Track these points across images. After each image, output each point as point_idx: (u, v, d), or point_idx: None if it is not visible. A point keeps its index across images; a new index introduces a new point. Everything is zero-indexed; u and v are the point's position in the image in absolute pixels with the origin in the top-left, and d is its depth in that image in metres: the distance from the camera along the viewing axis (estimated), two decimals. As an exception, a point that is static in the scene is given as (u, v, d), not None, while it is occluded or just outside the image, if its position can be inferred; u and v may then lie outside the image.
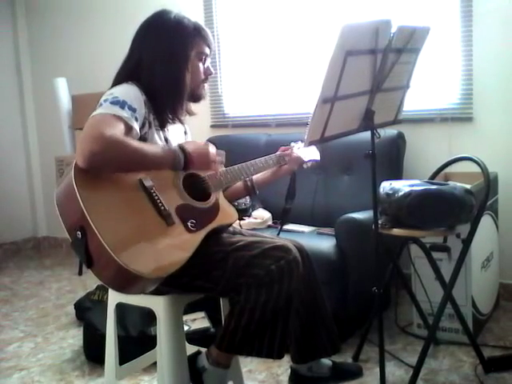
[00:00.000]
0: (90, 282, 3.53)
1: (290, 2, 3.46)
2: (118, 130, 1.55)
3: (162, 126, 1.79)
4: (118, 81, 1.77)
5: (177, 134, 1.90)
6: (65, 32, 4.48)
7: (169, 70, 1.76)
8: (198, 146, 1.77)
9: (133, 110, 1.63)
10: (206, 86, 1.90)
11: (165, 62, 1.75)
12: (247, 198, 3.04)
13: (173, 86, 1.77)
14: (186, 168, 1.73)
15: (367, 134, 1.88)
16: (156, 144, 1.73)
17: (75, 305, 3.05)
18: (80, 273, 3.83)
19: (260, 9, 3.58)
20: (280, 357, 1.75)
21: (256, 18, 3.60)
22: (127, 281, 1.51)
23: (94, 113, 1.59)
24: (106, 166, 1.54)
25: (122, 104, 1.61)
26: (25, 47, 4.72)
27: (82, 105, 3.81)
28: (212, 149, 1.81)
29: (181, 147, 1.72)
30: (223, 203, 1.85)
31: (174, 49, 1.77)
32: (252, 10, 3.61)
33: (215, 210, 1.80)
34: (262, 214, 3.05)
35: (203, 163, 1.77)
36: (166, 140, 1.80)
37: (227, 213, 1.83)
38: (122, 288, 1.59)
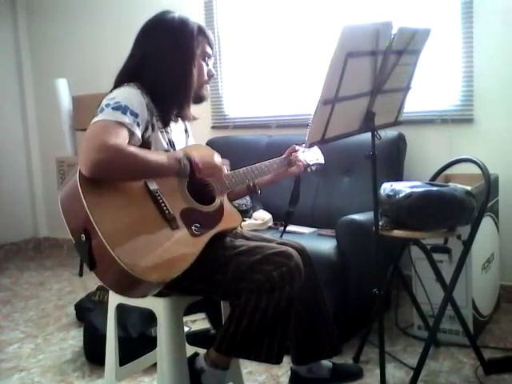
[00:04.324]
0: (91, 282, 3.53)
1: (291, 4, 3.46)
2: (121, 138, 1.54)
3: (166, 125, 1.77)
4: (119, 81, 1.76)
5: (179, 134, 1.89)
6: (65, 33, 4.48)
7: (176, 66, 1.75)
8: (204, 154, 1.75)
9: (135, 115, 1.61)
10: (208, 87, 1.90)
11: (172, 59, 1.74)
12: (248, 199, 3.04)
13: (180, 82, 1.76)
14: (192, 176, 1.70)
15: (368, 136, 1.89)
16: (161, 151, 1.71)
17: (76, 306, 3.05)
18: (81, 273, 3.90)
19: (261, 10, 3.58)
20: (278, 362, 1.75)
21: (257, 20, 3.60)
22: (130, 284, 1.51)
23: (96, 118, 1.57)
24: (111, 175, 1.53)
25: (124, 109, 1.59)
26: (26, 48, 4.73)
27: (83, 105, 3.82)
28: (218, 157, 1.79)
29: (187, 155, 1.68)
30: (227, 207, 1.84)
31: (180, 45, 1.76)
32: (253, 11, 3.61)
33: (219, 213, 1.79)
34: (262, 215, 3.05)
35: (209, 172, 1.75)
36: (171, 142, 1.79)
37: (231, 217, 1.82)
38: (124, 291, 1.59)
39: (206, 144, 3.16)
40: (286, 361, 1.99)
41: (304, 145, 1.93)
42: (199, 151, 1.76)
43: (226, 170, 1.83)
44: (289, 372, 2.17)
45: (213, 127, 3.84)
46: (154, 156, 1.61)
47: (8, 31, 4.66)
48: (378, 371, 1.99)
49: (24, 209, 4.81)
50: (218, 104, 3.82)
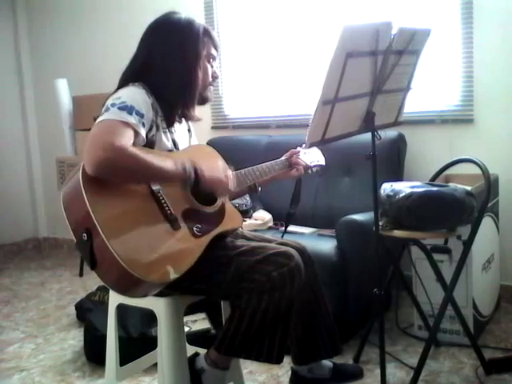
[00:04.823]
0: (91, 282, 3.54)
1: (291, 4, 3.46)
2: (127, 139, 1.54)
3: (170, 125, 1.78)
4: (124, 81, 1.75)
5: (182, 134, 1.89)
6: (66, 33, 4.48)
7: (182, 67, 1.75)
8: (213, 166, 1.72)
9: (140, 115, 1.61)
10: (211, 88, 1.90)
11: (177, 59, 1.74)
12: (248, 199, 3.04)
13: (185, 83, 1.76)
14: (196, 186, 1.67)
15: (368, 136, 1.89)
16: (167, 155, 1.68)
17: (76, 306, 3.05)
18: (81, 274, 3.90)
19: (261, 10, 3.58)
20: (279, 362, 1.75)
21: (257, 20, 3.60)
22: (131, 284, 1.51)
23: (101, 118, 1.57)
24: (114, 175, 1.52)
25: (129, 109, 1.59)
26: (26, 48, 4.73)
27: (83, 106, 3.82)
28: (226, 171, 1.75)
29: (193, 165, 1.66)
30: (229, 207, 1.85)
31: (186, 46, 1.76)
32: (253, 11, 3.61)
33: (221, 214, 1.80)
34: (262, 216, 3.05)
35: (214, 185, 1.71)
36: (174, 142, 1.79)
37: (232, 217, 1.83)
38: (125, 291, 1.59)
39: (206, 144, 3.16)
40: (287, 361, 1.99)
41: (304, 145, 1.94)
42: (208, 160, 1.73)
43: (230, 185, 1.77)
44: (289, 372, 2.17)
45: (213, 127, 3.84)
46: (159, 161, 1.58)
47: (8, 31, 4.66)
48: (378, 371, 1.99)
49: (24, 209, 4.81)
50: (217, 104, 3.82)
